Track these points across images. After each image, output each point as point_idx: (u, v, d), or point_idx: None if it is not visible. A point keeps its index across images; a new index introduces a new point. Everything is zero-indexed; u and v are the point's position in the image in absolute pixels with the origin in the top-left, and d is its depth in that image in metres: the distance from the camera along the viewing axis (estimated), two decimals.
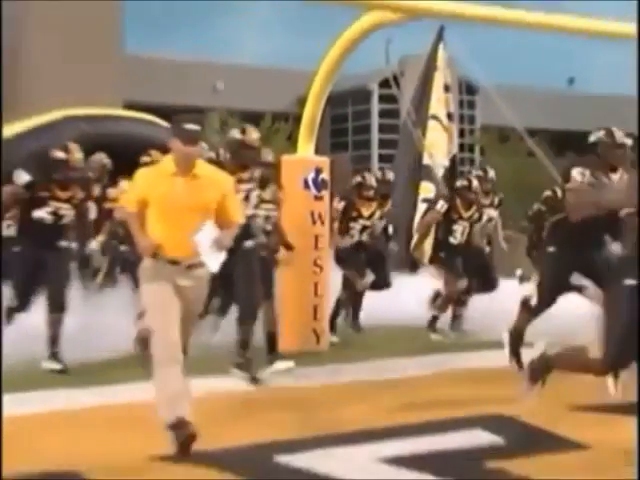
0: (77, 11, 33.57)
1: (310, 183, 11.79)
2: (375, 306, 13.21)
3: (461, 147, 28.96)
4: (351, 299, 12.93)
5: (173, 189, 6.42)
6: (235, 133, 9.55)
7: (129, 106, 28.12)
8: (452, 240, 12.88)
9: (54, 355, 9.59)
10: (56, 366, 9.54)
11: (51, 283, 9.86)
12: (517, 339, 9.46)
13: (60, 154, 9.88)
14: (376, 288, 13.18)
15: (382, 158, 41.56)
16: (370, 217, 12.65)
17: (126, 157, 12.12)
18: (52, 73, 32.94)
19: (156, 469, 5.91)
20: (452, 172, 16.95)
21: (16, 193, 9.68)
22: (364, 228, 12.20)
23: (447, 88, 17.81)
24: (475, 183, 13.17)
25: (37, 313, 10.12)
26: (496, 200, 14.35)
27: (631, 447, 5.71)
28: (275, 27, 77.92)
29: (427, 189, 16.15)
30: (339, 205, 12.49)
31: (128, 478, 5.63)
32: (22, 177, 9.64)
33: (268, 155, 10.54)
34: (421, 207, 15.88)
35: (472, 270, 13.20)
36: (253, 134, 9.61)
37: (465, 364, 10.04)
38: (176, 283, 6.39)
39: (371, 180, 12.90)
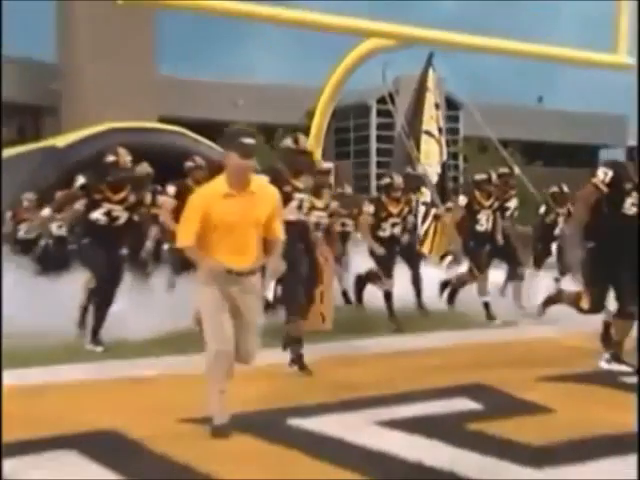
0: (120, 42, 33.82)
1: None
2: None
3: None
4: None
5: (230, 209, 5.78)
6: (288, 142, 8.78)
7: (163, 120, 28.12)
8: (479, 228, 12.46)
9: (96, 340, 9.29)
10: (98, 349, 9.25)
11: (103, 281, 9.38)
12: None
13: (110, 157, 9.38)
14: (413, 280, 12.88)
15: (379, 165, 41.69)
16: (399, 214, 12.11)
17: (161, 164, 12.19)
18: (100, 93, 33.12)
19: (187, 430, 5.95)
20: (443, 177, 17.30)
21: (73, 195, 9.33)
22: (394, 225, 11.85)
23: (437, 106, 17.88)
24: (494, 177, 12.77)
25: None
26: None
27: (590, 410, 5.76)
28: (287, 50, 77.71)
29: (423, 194, 16.28)
30: (369, 208, 11.97)
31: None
32: (79, 180, 9.27)
33: (322, 163, 10.23)
34: (420, 209, 16.05)
35: (500, 256, 13.00)
36: (305, 142, 8.98)
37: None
38: (227, 289, 5.87)
39: (399, 181, 12.37)
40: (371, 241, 11.76)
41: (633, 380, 7.57)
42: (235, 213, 5.79)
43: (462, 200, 12.93)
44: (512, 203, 13.71)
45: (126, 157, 9.43)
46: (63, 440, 5.57)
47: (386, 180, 12.38)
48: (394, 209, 12.00)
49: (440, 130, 18.45)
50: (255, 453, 5.42)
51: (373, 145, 45.68)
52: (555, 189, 14.06)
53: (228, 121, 33.57)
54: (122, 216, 9.43)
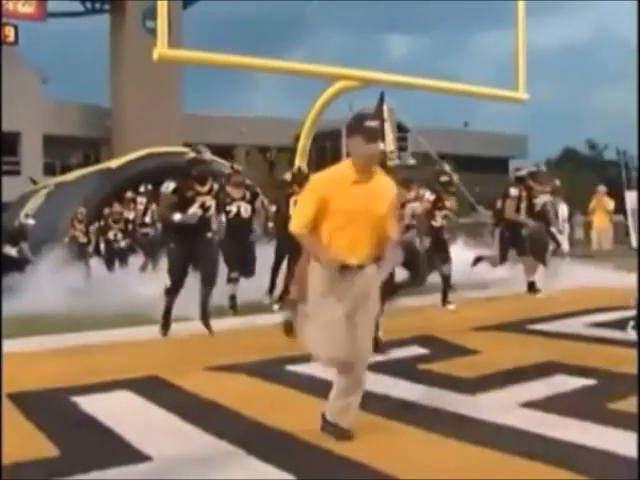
0: (153, 88, 33.96)
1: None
2: None
3: None
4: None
5: (356, 199, 4.13)
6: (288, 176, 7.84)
7: (187, 145, 28.02)
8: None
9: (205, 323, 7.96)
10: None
11: (202, 262, 7.92)
12: None
13: (192, 154, 8.07)
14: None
15: None
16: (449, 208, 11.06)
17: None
18: (140, 127, 33.18)
19: (206, 375, 5.92)
20: None
21: (168, 199, 7.78)
22: (445, 216, 11.33)
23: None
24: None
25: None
26: (548, 188, 11.94)
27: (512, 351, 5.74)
28: (277, 90, 77.79)
29: None
30: (431, 197, 10.66)
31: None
32: (170, 186, 7.79)
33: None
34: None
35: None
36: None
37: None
38: (343, 285, 4.16)
39: (453, 178, 11.63)
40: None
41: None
42: (360, 202, 4.16)
43: (514, 191, 11.32)
44: (548, 197, 12.83)
45: (207, 153, 8.18)
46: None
47: (444, 178, 11.12)
48: (447, 203, 10.94)
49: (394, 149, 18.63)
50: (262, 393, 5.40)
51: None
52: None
53: (235, 144, 34.00)
54: (212, 205, 8.04)
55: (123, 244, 14.38)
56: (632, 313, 7.59)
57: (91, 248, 14.48)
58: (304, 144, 12.14)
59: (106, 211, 15.14)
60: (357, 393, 4.23)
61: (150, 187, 13.79)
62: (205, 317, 8.01)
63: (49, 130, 35.24)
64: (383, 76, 13.20)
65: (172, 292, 7.88)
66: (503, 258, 11.16)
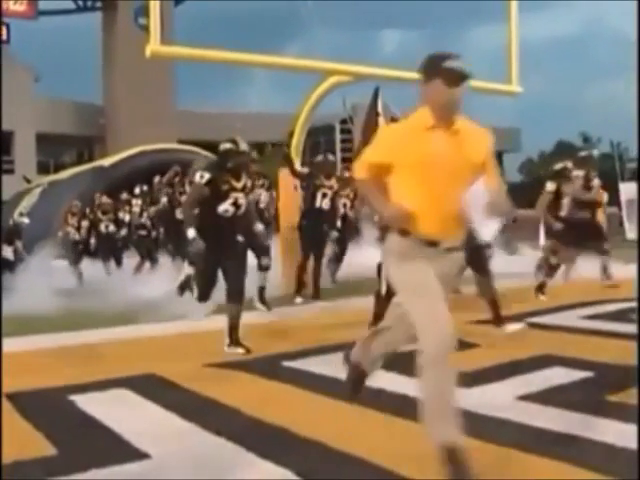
0: (146, 85, 33.90)
1: (298, 186, 11.73)
2: None
3: None
4: None
5: (433, 146, 3.39)
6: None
7: (181, 142, 28.10)
8: (561, 213, 10.24)
9: (235, 342, 6.70)
10: (240, 350, 6.64)
11: (231, 274, 6.89)
12: None
13: (228, 145, 7.05)
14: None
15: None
16: None
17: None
18: (133, 124, 33.14)
19: (204, 373, 5.92)
20: None
21: (199, 192, 6.84)
22: None
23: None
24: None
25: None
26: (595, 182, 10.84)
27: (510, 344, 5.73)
28: (271, 86, 77.73)
29: None
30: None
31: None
32: (205, 176, 6.84)
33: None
34: None
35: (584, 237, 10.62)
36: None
37: None
38: (435, 261, 3.44)
39: None
40: None
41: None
42: (440, 152, 3.41)
43: (550, 185, 10.50)
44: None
45: (243, 143, 7.11)
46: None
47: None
48: None
49: None
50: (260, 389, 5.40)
51: (338, 155, 45.73)
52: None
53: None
54: (244, 203, 7.06)
55: (116, 237, 14.14)
56: (630, 305, 7.62)
57: (81, 242, 14.16)
58: (298, 139, 12.11)
59: (96, 203, 14.97)
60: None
61: (145, 188, 13.72)
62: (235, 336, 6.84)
63: (42, 128, 35.23)
64: (376, 70, 13.18)
65: (203, 297, 7.11)
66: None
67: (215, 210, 6.86)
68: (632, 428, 3.87)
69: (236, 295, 6.81)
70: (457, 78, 3.44)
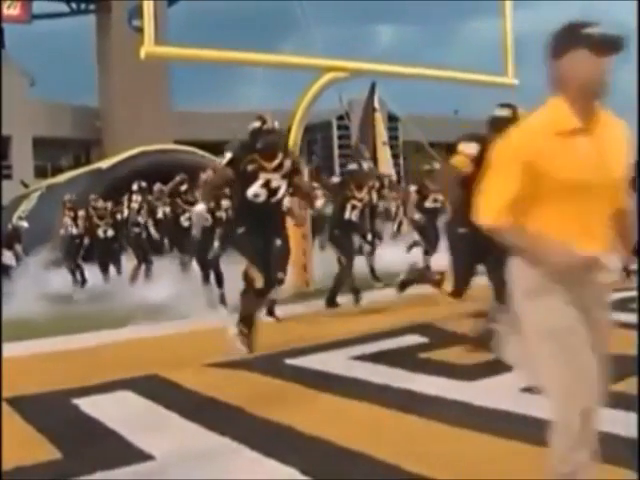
0: (143, 87, 33.91)
1: None
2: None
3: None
4: None
5: (580, 157, 2.50)
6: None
7: (178, 142, 28.09)
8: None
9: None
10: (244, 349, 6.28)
11: (274, 262, 6.21)
12: None
13: (256, 123, 6.35)
14: None
15: (341, 166, 41.67)
16: None
17: (177, 174, 12.15)
18: (130, 126, 33.14)
19: (207, 372, 5.91)
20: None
21: (222, 175, 6.31)
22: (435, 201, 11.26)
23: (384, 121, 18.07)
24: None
25: None
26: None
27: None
28: (266, 84, 77.62)
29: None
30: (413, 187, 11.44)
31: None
32: (226, 156, 6.27)
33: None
34: None
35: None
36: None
37: None
38: (578, 296, 2.57)
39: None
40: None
41: None
42: (588, 163, 2.53)
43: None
44: None
45: (273, 121, 6.41)
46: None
47: (428, 167, 11.99)
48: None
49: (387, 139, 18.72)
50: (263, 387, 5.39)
51: (335, 152, 45.70)
52: None
53: (226, 140, 33.89)
54: (281, 186, 6.29)
55: (114, 242, 13.72)
56: (630, 294, 7.59)
57: (79, 240, 13.48)
58: (295, 136, 12.09)
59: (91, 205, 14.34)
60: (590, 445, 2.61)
61: (144, 184, 13.49)
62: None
63: (39, 132, 35.18)
64: (372, 66, 13.17)
65: (264, 292, 6.25)
66: None
67: (244, 195, 6.18)
68: (634, 417, 3.86)
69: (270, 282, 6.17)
70: (610, 45, 2.53)
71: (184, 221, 11.14)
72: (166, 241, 12.90)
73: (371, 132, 19.51)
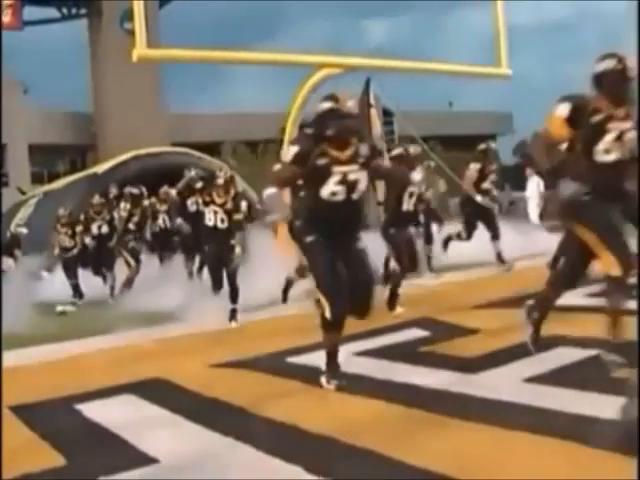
0: (135, 90, 33.90)
1: None
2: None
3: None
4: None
5: None
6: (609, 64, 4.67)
7: (175, 144, 28.06)
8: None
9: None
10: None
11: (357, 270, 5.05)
12: None
13: (326, 103, 5.19)
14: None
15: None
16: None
17: (172, 176, 12.13)
18: (122, 128, 33.14)
19: (209, 373, 5.91)
20: None
21: (291, 170, 4.99)
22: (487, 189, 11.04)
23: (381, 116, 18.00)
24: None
25: None
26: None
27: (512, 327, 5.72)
28: (262, 82, 77.58)
29: None
30: (476, 166, 11.01)
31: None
32: (292, 150, 5.05)
33: None
34: None
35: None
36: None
37: None
38: None
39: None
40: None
41: None
42: None
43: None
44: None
45: (347, 101, 5.30)
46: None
47: (483, 146, 11.49)
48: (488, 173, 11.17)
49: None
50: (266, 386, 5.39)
51: None
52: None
53: (221, 141, 33.95)
54: (361, 179, 5.05)
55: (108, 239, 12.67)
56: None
57: (76, 251, 12.58)
58: (291, 134, 12.09)
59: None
60: None
61: (136, 191, 13.10)
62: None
63: (34, 139, 35.15)
64: (366, 61, 13.20)
65: (331, 326, 5.00)
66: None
67: (318, 196, 4.98)
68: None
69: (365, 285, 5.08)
70: None
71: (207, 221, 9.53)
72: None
73: (367, 128, 19.56)
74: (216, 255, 8.66)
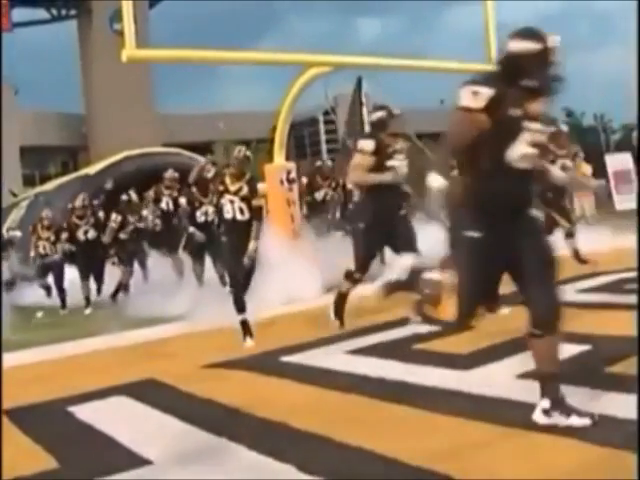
0: (125, 91, 33.85)
1: (284, 180, 11.72)
2: None
3: None
4: None
5: None
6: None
7: (166, 144, 28.05)
8: None
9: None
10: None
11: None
12: None
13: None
14: None
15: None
16: None
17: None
18: (114, 129, 33.12)
19: (203, 373, 5.89)
20: None
21: (365, 163, 6.12)
22: None
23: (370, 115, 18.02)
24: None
25: None
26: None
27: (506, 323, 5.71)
28: (253, 81, 77.60)
29: None
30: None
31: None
32: (368, 145, 6.15)
33: None
34: None
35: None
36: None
37: None
38: None
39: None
40: None
41: None
42: None
43: None
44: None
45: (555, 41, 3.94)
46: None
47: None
48: None
49: None
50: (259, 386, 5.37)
51: (323, 147, 45.73)
52: None
53: (212, 141, 33.95)
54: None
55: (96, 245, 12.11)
56: (623, 276, 7.61)
57: (57, 256, 12.07)
58: (282, 133, 12.08)
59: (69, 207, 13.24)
60: None
61: (125, 197, 12.78)
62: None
63: (25, 141, 35.12)
64: (356, 59, 13.18)
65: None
66: None
67: (502, 161, 3.98)
68: (633, 398, 3.86)
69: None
70: None
71: (225, 214, 7.59)
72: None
73: (360, 126, 19.57)
74: (235, 251, 7.27)
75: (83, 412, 4.93)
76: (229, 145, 33.52)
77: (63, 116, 38.00)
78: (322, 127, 45.67)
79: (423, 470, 3.34)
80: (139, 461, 3.85)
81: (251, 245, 7.23)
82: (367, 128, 19.04)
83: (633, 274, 7.54)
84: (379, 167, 6.20)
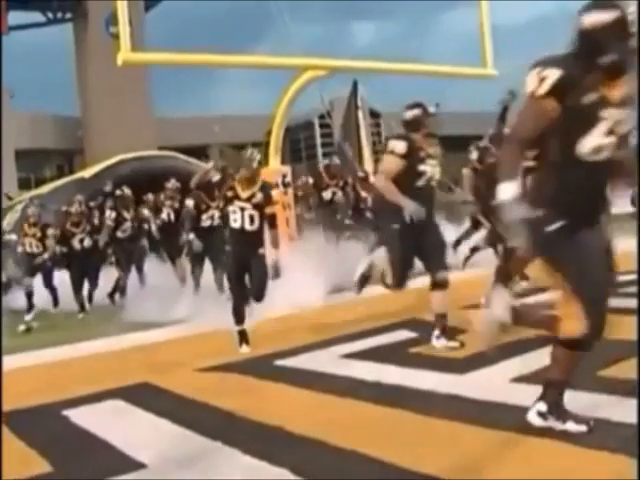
0: (122, 94, 33.85)
1: (279, 183, 11.73)
2: None
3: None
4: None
5: None
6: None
7: (162, 148, 28.05)
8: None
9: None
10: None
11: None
12: None
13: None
14: None
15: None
16: None
17: (160, 181, 12.02)
18: (109, 133, 33.13)
19: (197, 377, 5.88)
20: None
21: (397, 167, 5.82)
22: None
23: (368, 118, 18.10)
24: None
25: None
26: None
27: None
28: (248, 85, 77.62)
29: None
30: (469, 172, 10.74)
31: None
32: (399, 146, 5.79)
33: None
34: None
35: None
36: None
37: None
38: None
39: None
40: None
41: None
42: None
43: None
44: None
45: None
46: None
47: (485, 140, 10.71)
48: None
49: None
50: (253, 390, 5.36)
51: (319, 150, 45.72)
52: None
53: (208, 144, 33.95)
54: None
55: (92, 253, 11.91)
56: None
57: (46, 255, 11.62)
58: (277, 137, 12.09)
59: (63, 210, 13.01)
60: None
61: (119, 193, 12.64)
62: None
63: (21, 145, 35.06)
64: (351, 63, 13.20)
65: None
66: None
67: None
68: (627, 402, 3.86)
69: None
70: None
71: (232, 222, 7.09)
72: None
73: (355, 130, 19.64)
74: (239, 262, 6.87)
75: (78, 416, 4.92)
76: (224, 149, 33.52)
77: (59, 119, 37.96)
78: (318, 131, 45.66)
79: (418, 474, 3.34)
80: (133, 465, 3.85)
81: (273, 255, 6.89)
82: (364, 132, 19.09)
83: (631, 277, 7.55)
84: (410, 172, 5.81)
